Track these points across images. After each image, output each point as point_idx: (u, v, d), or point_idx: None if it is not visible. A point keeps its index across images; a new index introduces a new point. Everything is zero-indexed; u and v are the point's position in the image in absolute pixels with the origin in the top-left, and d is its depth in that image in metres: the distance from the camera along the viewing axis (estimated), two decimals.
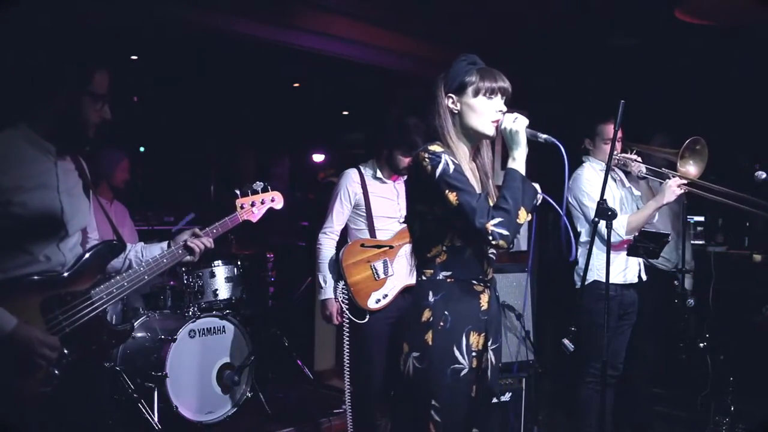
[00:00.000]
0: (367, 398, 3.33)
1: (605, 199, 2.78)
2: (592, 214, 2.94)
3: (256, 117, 7.67)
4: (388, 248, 3.34)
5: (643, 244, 3.33)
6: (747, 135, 4.56)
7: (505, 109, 2.10)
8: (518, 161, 2.05)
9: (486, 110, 2.08)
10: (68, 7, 2.82)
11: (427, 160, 2.01)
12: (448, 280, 2.07)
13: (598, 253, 3.27)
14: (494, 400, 2.25)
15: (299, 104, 7.37)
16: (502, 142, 2.11)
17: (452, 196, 1.97)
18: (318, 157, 8.86)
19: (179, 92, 6.77)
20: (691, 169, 3.41)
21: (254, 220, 2.42)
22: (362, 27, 3.87)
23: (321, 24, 3.71)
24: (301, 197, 7.87)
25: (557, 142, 2.03)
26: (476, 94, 2.08)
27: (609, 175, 2.74)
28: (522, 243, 4.89)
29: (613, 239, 3.32)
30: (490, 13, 3.99)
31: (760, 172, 3.34)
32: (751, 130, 4.51)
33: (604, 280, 2.84)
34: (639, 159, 3.46)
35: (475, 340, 2.06)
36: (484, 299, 2.11)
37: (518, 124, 2.05)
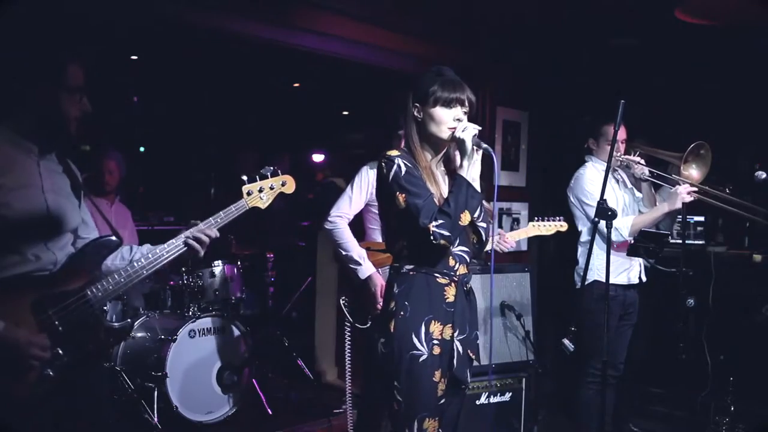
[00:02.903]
0: (371, 401, 3.23)
1: (605, 200, 2.78)
2: (593, 213, 2.94)
3: (257, 117, 7.67)
4: None
5: (643, 244, 3.33)
6: (747, 135, 4.56)
7: (463, 117, 2.23)
8: (464, 168, 2.20)
9: (443, 118, 2.22)
10: (69, 7, 2.82)
11: (383, 164, 2.22)
12: (411, 272, 2.23)
13: (599, 253, 3.26)
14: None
15: (299, 104, 7.37)
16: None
17: (401, 198, 2.16)
18: (318, 157, 8.84)
19: (179, 92, 6.77)
20: (694, 172, 3.41)
21: (263, 206, 2.28)
22: (362, 27, 3.87)
23: (321, 24, 3.71)
24: (300, 197, 7.86)
25: (492, 153, 2.19)
26: (435, 103, 2.21)
27: (611, 176, 2.74)
28: (522, 243, 4.90)
29: (615, 239, 3.33)
30: (490, 13, 3.99)
31: (760, 172, 3.34)
32: (752, 131, 4.51)
33: (604, 280, 2.84)
34: (642, 161, 3.46)
35: (437, 329, 2.20)
36: (450, 292, 2.23)
37: (466, 133, 2.19)
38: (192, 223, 2.17)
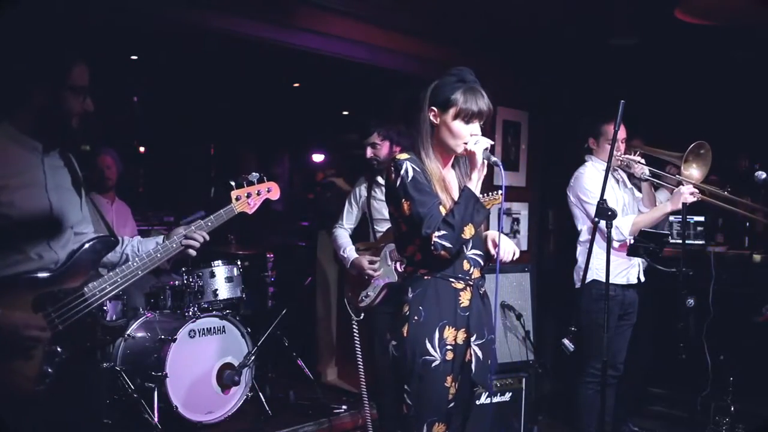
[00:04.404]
0: (376, 389, 3.42)
1: (605, 200, 2.78)
2: (592, 213, 2.94)
3: (257, 117, 7.66)
4: (375, 249, 3.43)
5: (643, 244, 3.33)
6: (747, 135, 4.56)
7: (478, 133, 2.20)
8: (473, 181, 2.18)
9: (461, 133, 2.20)
10: (68, 7, 2.82)
11: (392, 167, 2.19)
12: (426, 277, 2.21)
13: (599, 252, 3.26)
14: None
15: (299, 104, 7.36)
16: None
17: (406, 205, 2.15)
18: (318, 157, 8.84)
19: (179, 92, 6.76)
20: (695, 172, 3.42)
21: (250, 212, 2.34)
22: (363, 27, 3.87)
23: (321, 24, 3.71)
24: (300, 197, 7.87)
25: (500, 166, 2.18)
26: (456, 116, 2.18)
27: (611, 176, 2.74)
28: (522, 243, 4.90)
29: (616, 238, 3.33)
30: (491, 13, 3.98)
31: (760, 173, 3.34)
32: (752, 131, 4.51)
33: (603, 280, 2.84)
34: (642, 160, 3.47)
35: (451, 334, 2.18)
36: (465, 296, 2.22)
37: (478, 146, 2.16)
38: (182, 222, 2.20)
